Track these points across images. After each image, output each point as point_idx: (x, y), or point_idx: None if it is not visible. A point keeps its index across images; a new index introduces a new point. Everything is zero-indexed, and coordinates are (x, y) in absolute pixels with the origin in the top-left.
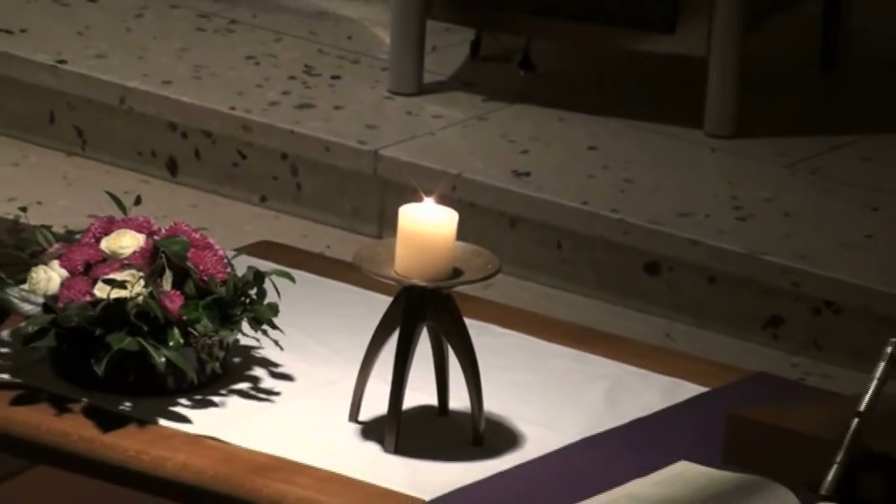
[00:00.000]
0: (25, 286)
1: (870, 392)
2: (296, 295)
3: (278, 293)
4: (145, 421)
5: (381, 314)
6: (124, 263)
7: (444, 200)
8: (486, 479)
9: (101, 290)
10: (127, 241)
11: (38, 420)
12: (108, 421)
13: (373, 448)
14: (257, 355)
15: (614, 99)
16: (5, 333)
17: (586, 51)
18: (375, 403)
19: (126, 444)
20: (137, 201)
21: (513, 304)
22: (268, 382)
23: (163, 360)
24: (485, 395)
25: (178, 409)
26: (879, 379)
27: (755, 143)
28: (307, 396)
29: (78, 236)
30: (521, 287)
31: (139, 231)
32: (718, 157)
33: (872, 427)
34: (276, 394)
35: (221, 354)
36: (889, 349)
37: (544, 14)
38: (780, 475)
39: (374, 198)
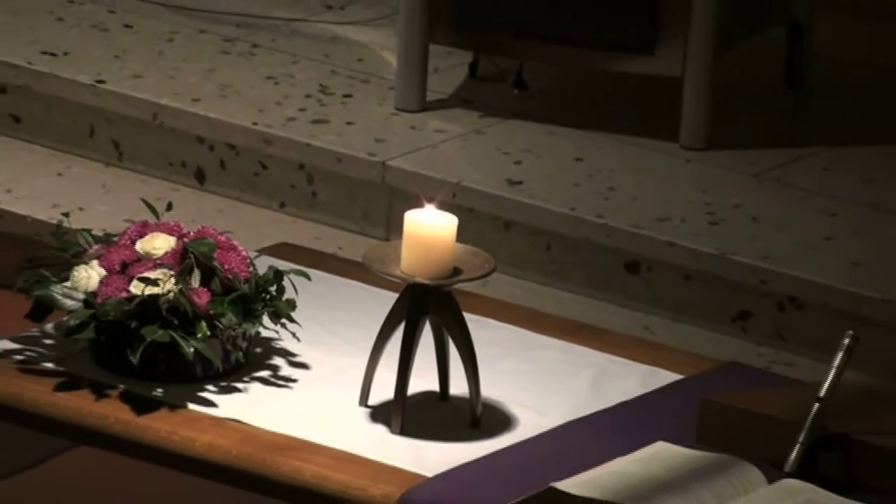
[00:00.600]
0: (68, 284)
1: (829, 379)
2: (311, 292)
3: (296, 290)
4: (175, 405)
5: (388, 309)
6: (157, 263)
7: (445, 206)
8: (483, 458)
9: (136, 287)
10: (159, 243)
11: (80, 404)
12: (142, 405)
13: (380, 430)
14: (277, 346)
15: (599, 115)
16: (50, 327)
17: (574, 71)
18: (383, 389)
19: (158, 426)
20: (169, 207)
21: (507, 300)
22: (286, 370)
23: (191, 350)
24: (482, 382)
25: (205, 394)
26: (838, 367)
27: (726, 154)
28: (321, 383)
29: (115, 239)
30: (515, 284)
31: (170, 234)
32: (693, 167)
33: (831, 411)
34: (294, 381)
35: (244, 345)
36: (846, 341)
37: (536, 38)
38: (749, 454)
39: (382, 204)
